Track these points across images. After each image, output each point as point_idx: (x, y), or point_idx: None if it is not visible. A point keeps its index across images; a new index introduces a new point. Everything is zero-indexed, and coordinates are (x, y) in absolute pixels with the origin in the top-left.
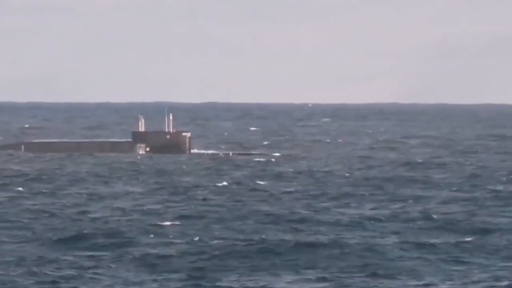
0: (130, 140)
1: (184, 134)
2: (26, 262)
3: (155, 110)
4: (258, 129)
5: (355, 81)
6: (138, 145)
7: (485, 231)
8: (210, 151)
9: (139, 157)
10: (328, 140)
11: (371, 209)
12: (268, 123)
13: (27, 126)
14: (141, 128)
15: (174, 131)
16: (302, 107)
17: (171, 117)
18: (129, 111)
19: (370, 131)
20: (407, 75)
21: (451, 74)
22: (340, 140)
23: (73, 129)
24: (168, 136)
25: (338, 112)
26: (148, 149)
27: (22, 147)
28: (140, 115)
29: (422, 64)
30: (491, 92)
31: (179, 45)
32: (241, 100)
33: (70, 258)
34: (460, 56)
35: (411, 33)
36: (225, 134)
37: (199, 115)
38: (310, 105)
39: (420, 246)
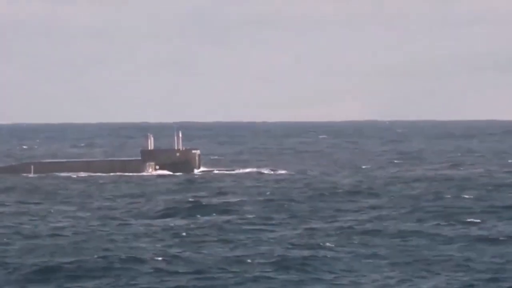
0: (139, 158)
1: (193, 151)
2: (42, 281)
3: (130, 130)
4: (252, 146)
5: (324, 100)
6: (147, 163)
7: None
8: (217, 169)
9: (149, 175)
10: (326, 156)
11: (388, 221)
12: (255, 140)
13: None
14: (150, 146)
15: (183, 148)
16: (283, 125)
17: (180, 135)
18: (103, 131)
19: (365, 148)
20: (372, 94)
21: (417, 93)
22: (336, 153)
23: (65, 148)
24: (177, 154)
25: (317, 129)
26: (157, 167)
27: (32, 167)
28: (148, 133)
29: (387, 83)
30: (461, 108)
31: (147, 66)
32: (209, 120)
33: (88, 274)
34: (427, 75)
35: (378, 53)
36: (218, 152)
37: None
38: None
39: (437, 256)
